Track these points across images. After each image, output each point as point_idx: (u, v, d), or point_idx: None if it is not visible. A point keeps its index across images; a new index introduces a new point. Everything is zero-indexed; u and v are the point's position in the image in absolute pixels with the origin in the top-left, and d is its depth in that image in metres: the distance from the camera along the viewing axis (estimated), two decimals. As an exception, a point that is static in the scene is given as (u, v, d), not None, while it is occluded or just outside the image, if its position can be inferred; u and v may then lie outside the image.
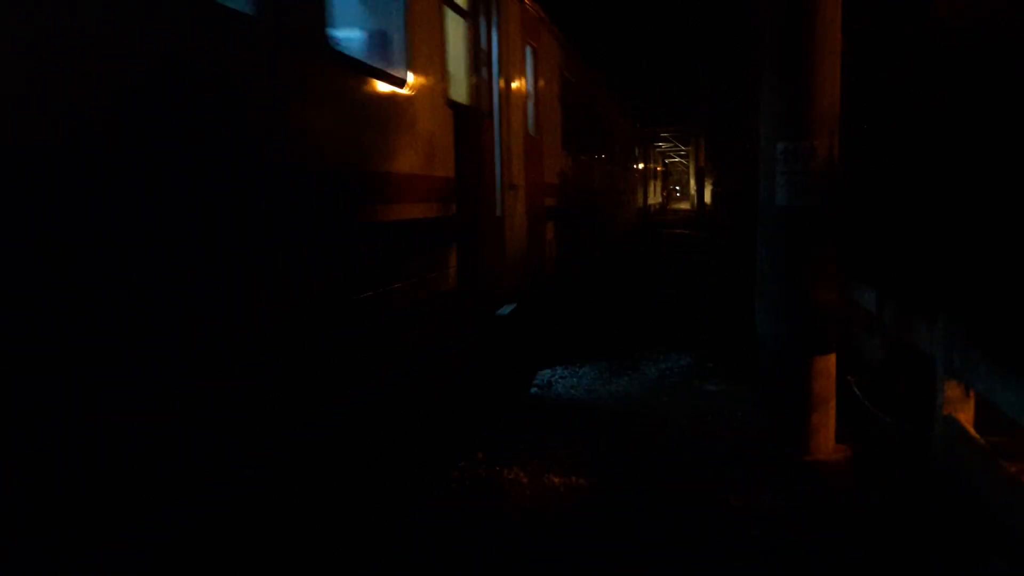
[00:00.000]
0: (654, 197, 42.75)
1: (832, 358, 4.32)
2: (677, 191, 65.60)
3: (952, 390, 3.89)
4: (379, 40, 4.67)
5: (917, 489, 3.92)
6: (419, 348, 4.75)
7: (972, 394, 3.85)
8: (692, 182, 40.57)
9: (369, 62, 4.24)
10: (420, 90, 4.72)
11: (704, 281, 11.98)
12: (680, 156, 52.56)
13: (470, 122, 5.89)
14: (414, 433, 4.49)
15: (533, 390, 5.93)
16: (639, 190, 29.00)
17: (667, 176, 60.19)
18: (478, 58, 6.30)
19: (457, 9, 5.76)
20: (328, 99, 3.71)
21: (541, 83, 8.77)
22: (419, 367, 4.72)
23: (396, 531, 3.57)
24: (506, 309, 6.76)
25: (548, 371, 6.39)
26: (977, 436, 3.70)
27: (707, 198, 31.01)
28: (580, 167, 11.91)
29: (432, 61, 4.98)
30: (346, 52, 3.94)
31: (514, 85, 7.28)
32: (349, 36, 4.44)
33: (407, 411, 4.49)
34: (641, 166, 29.80)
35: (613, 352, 7.00)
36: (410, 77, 4.56)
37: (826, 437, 4.33)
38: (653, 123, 34.71)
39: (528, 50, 8.19)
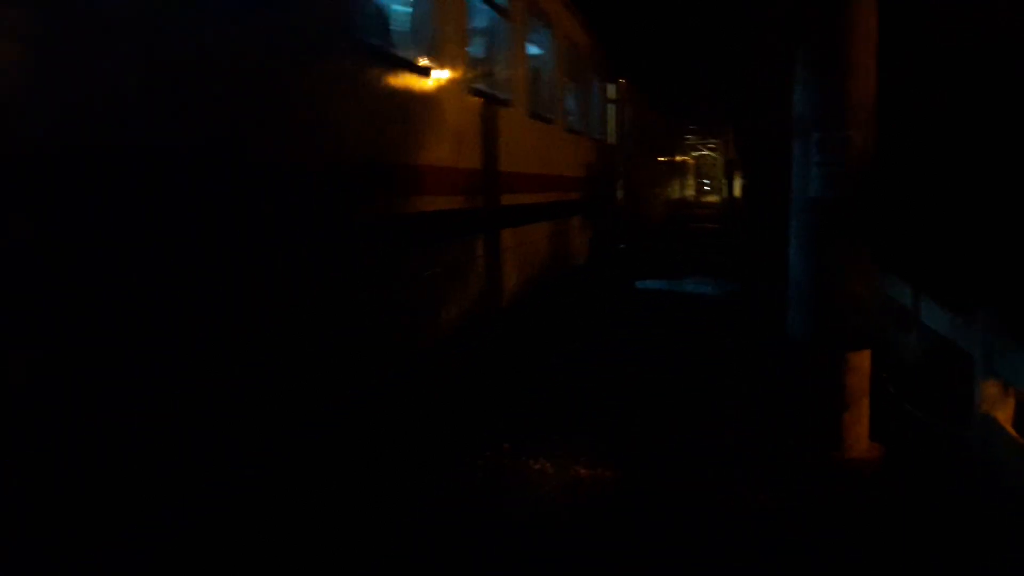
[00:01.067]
0: (686, 191, 42.74)
1: (866, 354, 4.20)
2: (706, 185, 64.99)
3: (991, 388, 3.77)
4: (588, 119, 11.08)
5: (953, 488, 3.80)
6: (594, 253, 11.11)
7: (1012, 392, 3.73)
8: (721, 175, 40.19)
9: (587, 134, 10.92)
10: (600, 141, 12.10)
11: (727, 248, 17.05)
12: (709, 149, 52.05)
13: (610, 151, 13.06)
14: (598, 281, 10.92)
15: (637, 284, 11.62)
16: (672, 184, 29.22)
17: (698, 170, 59.67)
18: (615, 120, 13.79)
19: (614, 102, 13.62)
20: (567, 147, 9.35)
21: (628, 121, 15.03)
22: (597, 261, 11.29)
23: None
24: (621, 246, 14.02)
25: (639, 280, 11.88)
26: (1016, 435, 3.59)
27: (736, 191, 30.67)
28: (642, 170, 17.67)
29: (605, 128, 12.90)
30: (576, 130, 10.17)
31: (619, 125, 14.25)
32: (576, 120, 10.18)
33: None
34: (671, 160, 30.08)
35: (668, 277, 12.36)
36: (602, 136, 12.55)
37: (860, 435, 4.22)
38: (682, 117, 34.39)
39: (626, 106, 14.81)
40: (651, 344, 7.21)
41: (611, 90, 13.45)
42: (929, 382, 4.66)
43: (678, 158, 38.26)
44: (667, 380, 5.89)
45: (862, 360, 4.18)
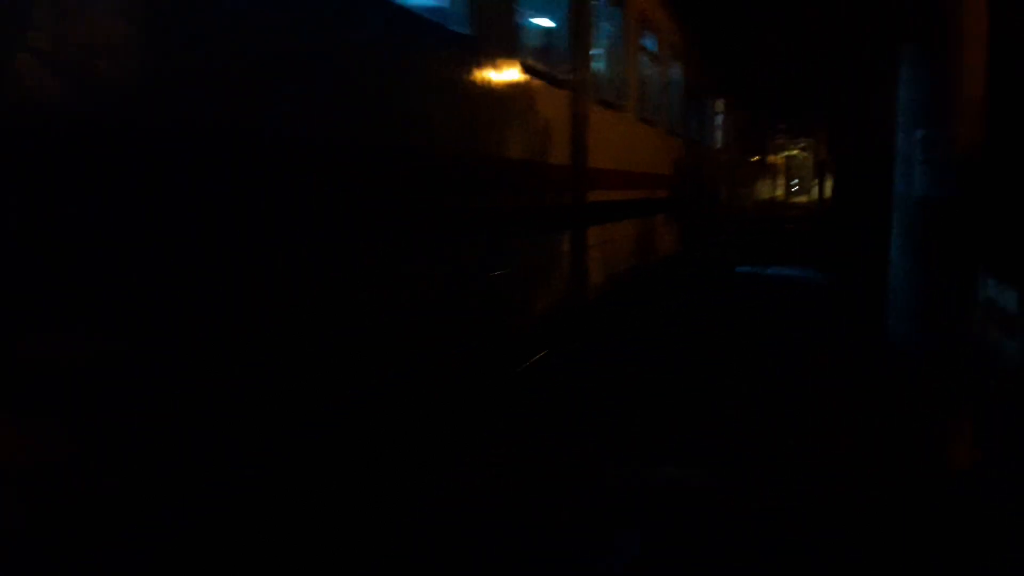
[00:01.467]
0: (776, 191, 42.25)
1: (969, 359, 4.07)
2: (794, 185, 63.51)
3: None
4: (703, 130, 14.20)
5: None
6: (704, 240, 13.62)
7: None
8: (811, 176, 39.17)
9: (701, 142, 13.73)
10: (708, 146, 14.59)
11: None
12: (799, 149, 50.78)
13: (715, 154, 15.84)
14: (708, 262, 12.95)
15: (737, 269, 12.88)
16: (763, 184, 30.08)
17: (787, 170, 58.49)
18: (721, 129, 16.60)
19: (720, 113, 16.36)
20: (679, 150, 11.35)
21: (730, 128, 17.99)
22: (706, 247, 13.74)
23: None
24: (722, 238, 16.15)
25: (739, 266, 13.14)
26: None
27: (827, 192, 29.86)
28: (738, 172, 20.93)
29: (715, 136, 15.90)
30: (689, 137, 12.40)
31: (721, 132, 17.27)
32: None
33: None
34: (762, 161, 30.15)
35: (759, 263, 13.44)
36: (718, 143, 16.38)
37: (962, 442, 4.09)
38: (772, 117, 33.63)
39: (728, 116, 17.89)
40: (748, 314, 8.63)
41: (719, 105, 16.81)
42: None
43: (769, 159, 37.54)
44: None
45: (965, 365, 4.05)
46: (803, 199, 49.70)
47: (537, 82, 5.11)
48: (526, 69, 4.88)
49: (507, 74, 4.67)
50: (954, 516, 3.57)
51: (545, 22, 6.10)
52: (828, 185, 29.95)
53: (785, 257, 14.79)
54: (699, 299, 9.48)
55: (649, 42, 8.86)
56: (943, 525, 3.48)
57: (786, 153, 52.24)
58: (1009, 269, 5.16)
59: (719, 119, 16.01)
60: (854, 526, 3.48)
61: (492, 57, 4.38)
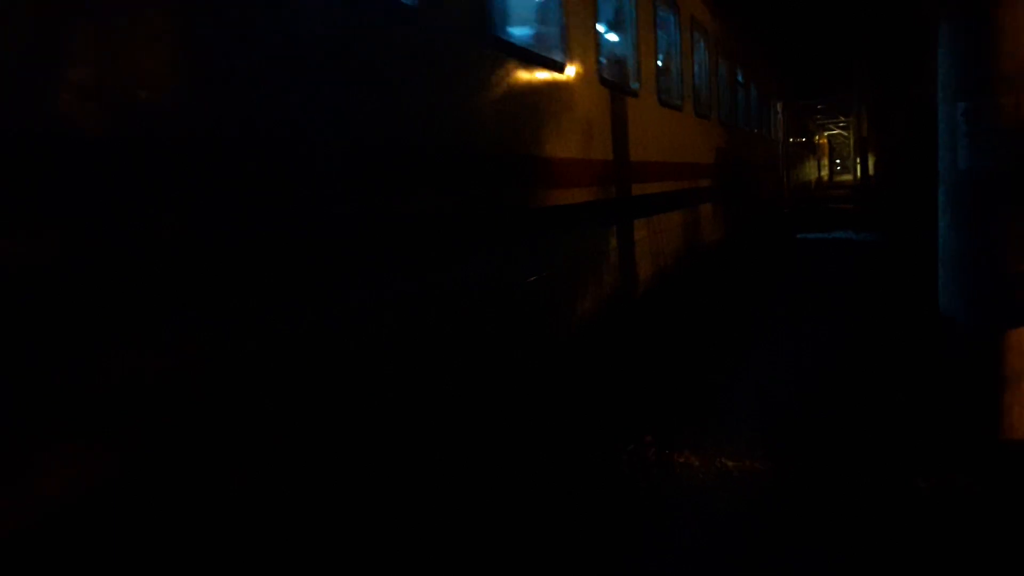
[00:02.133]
0: (821, 171, 42.54)
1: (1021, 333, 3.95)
2: (838, 164, 62.51)
3: None
4: (769, 123, 18.21)
5: None
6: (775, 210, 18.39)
7: None
8: (854, 155, 38.60)
9: (766, 133, 17.89)
10: (771, 138, 18.83)
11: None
12: (840, 128, 49.91)
13: (775, 143, 19.47)
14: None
15: (798, 236, 15.80)
16: (808, 165, 33.26)
17: (830, 150, 57.81)
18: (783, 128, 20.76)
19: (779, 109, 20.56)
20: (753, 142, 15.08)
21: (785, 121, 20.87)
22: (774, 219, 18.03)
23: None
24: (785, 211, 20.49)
25: (801, 234, 16.16)
26: None
27: (870, 170, 29.51)
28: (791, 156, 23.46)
29: (770, 124, 18.38)
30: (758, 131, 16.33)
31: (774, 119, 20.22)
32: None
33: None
34: (809, 142, 30.88)
35: (819, 231, 16.56)
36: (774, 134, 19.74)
37: (1020, 416, 3.97)
38: (812, 96, 33.13)
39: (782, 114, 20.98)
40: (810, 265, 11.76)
41: (779, 105, 20.20)
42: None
43: (815, 139, 37.47)
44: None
45: (1020, 338, 3.93)
46: (847, 178, 49.05)
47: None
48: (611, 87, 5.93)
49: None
50: (1009, 487, 3.48)
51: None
52: (870, 163, 29.51)
53: (837, 224, 17.76)
54: (774, 254, 13.15)
55: (701, 42, 9.84)
56: (999, 496, 3.40)
57: (828, 133, 51.42)
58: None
59: (773, 110, 18.84)
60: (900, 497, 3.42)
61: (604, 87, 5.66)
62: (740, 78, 12.87)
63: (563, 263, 4.86)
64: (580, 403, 4.84)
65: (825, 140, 51.43)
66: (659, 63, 7.51)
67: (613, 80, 5.99)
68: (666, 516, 3.50)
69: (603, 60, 5.81)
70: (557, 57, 4.77)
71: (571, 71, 4.95)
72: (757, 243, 13.75)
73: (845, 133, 49.86)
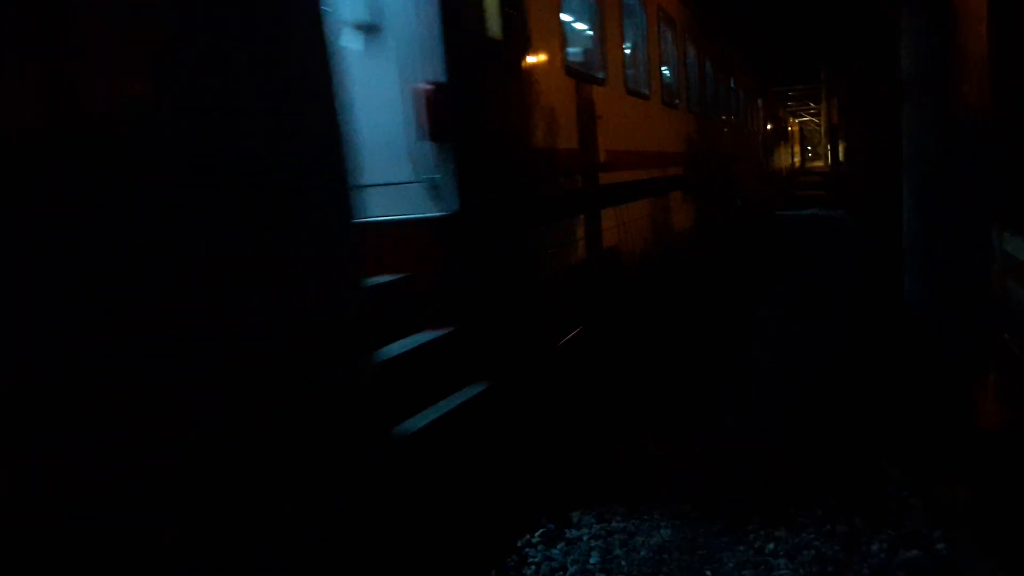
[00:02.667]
0: (793, 158, 43.47)
1: (989, 315, 4.01)
2: (809, 151, 63.12)
3: None
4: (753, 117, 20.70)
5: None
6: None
7: None
8: (825, 141, 38.89)
9: (751, 125, 20.72)
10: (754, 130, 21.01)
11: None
12: (811, 115, 50.18)
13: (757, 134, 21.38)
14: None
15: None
16: (781, 152, 34.07)
17: (802, 137, 58.39)
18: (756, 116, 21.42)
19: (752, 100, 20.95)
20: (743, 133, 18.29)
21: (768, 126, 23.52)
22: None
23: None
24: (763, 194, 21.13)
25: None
26: None
27: (840, 156, 29.89)
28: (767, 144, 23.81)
29: (744, 112, 18.95)
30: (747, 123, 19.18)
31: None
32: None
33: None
34: (781, 128, 32.02)
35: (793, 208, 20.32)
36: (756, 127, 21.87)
37: (985, 398, 4.03)
38: (783, 83, 33.28)
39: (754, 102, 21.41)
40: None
41: (750, 93, 20.28)
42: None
43: (786, 127, 38.01)
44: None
45: (984, 321, 3.99)
46: (819, 164, 49.44)
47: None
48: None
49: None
50: (977, 472, 3.53)
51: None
52: (840, 149, 29.74)
53: (811, 203, 21.03)
54: (758, 227, 15.38)
55: (669, 37, 9.98)
56: (968, 482, 3.45)
57: (799, 120, 51.66)
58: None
59: (744, 99, 18.89)
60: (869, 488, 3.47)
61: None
62: (709, 68, 13.07)
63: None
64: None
65: (796, 127, 51.78)
66: (626, 52, 7.52)
67: (580, 70, 5.99)
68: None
69: (570, 50, 5.80)
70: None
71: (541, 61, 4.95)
72: (738, 226, 14.95)
73: (816, 120, 50.12)
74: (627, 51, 7.48)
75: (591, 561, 3.22)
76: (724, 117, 15.03)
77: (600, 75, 6.31)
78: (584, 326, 5.31)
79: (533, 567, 3.23)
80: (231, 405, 2.28)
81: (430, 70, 3.63)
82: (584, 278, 5.44)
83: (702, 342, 6.19)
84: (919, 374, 4.20)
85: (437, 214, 3.73)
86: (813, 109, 45.95)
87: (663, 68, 9.25)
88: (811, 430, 4.17)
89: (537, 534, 3.44)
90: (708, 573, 3.09)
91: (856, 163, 19.41)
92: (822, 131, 42.68)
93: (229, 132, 2.34)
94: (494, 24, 4.17)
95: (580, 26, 6.63)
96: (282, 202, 2.52)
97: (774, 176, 28.60)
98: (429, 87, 3.63)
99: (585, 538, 3.38)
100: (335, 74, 2.77)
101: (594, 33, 6.55)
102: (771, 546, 3.18)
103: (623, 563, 3.19)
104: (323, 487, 2.62)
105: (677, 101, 10.07)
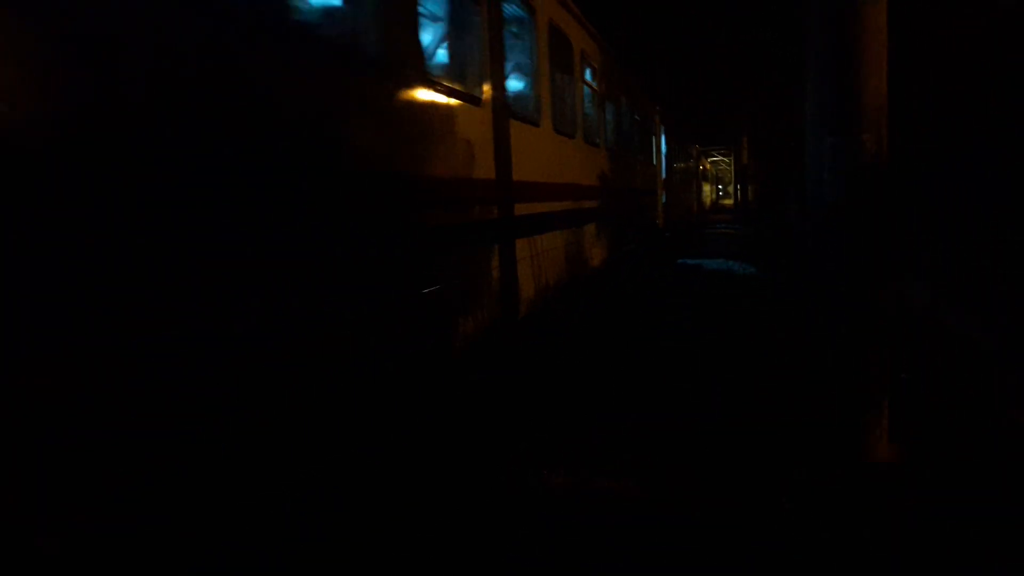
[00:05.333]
0: (703, 196, 45.07)
1: (885, 354, 4.04)
2: (720, 190, 65.51)
3: (1013, 384, 3.61)
4: (649, 150, 17.23)
5: (974, 489, 3.63)
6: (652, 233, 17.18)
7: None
8: (735, 182, 40.33)
9: (646, 159, 16.85)
10: (650, 163, 17.33)
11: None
12: (722, 155, 52.00)
13: (655, 169, 18.11)
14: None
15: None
16: (691, 190, 33.64)
17: (715, 176, 60.85)
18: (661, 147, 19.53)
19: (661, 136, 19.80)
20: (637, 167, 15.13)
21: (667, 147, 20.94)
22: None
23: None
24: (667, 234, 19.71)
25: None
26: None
27: (749, 196, 31.04)
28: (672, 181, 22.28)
29: (655, 153, 18.36)
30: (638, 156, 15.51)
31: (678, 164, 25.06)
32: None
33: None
34: (690, 168, 32.80)
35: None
36: (655, 160, 18.50)
37: (878, 436, 4.05)
38: (695, 128, 34.43)
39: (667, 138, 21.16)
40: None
41: (661, 132, 19.77)
42: (951, 381, 4.48)
43: (698, 166, 39.25)
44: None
45: (881, 360, 4.02)
46: (728, 202, 51.28)
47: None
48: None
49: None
50: (866, 506, 3.52)
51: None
52: (749, 189, 30.82)
53: (719, 249, 17.80)
54: (656, 278, 12.53)
55: (588, 72, 10.17)
56: (856, 517, 3.43)
57: (710, 159, 53.42)
58: (919, 267, 5.20)
59: (653, 136, 18.29)
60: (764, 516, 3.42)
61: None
62: (626, 110, 13.38)
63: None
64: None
65: (711, 165, 53.69)
66: (555, 97, 7.65)
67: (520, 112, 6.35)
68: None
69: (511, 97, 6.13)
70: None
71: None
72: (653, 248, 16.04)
73: (727, 160, 51.89)
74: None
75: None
76: (646, 160, 16.22)
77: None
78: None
79: None
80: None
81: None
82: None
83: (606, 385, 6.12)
84: (817, 410, 4.21)
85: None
86: (724, 149, 47.61)
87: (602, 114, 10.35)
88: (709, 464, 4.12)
89: None
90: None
91: (764, 203, 20.21)
92: (732, 172, 44.26)
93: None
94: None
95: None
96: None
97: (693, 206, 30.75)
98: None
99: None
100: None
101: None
102: None
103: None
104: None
105: (598, 140, 10.28)
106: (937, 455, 4.02)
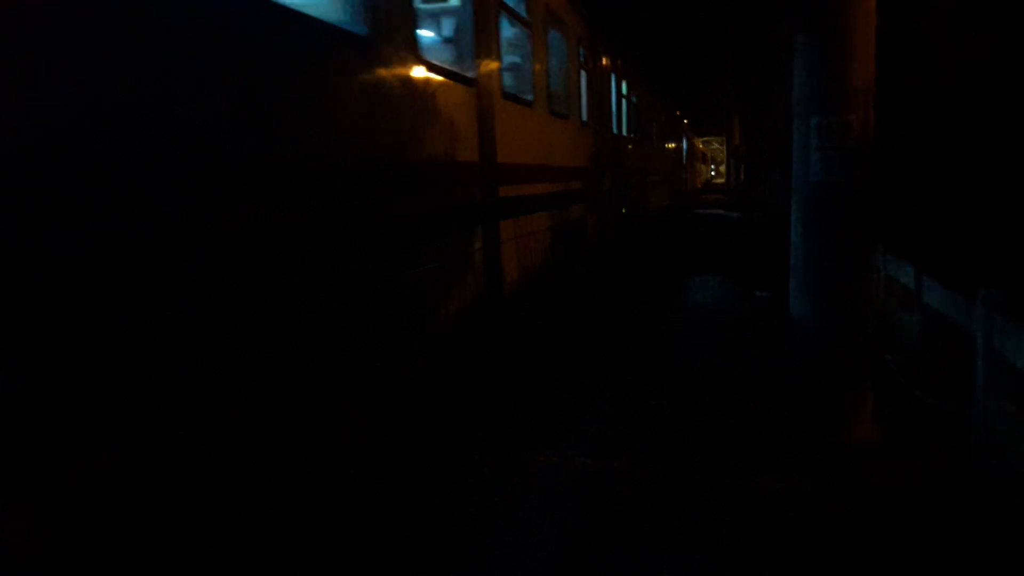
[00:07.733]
0: (698, 176, 46.28)
1: (867, 336, 3.98)
2: (713, 170, 65.89)
3: (992, 366, 3.55)
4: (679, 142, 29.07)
5: (955, 469, 3.59)
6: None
7: (1013, 371, 3.50)
8: (728, 161, 40.52)
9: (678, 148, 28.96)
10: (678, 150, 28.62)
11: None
12: (714, 135, 52.08)
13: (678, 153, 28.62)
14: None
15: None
16: (689, 171, 36.86)
17: (707, 156, 61.74)
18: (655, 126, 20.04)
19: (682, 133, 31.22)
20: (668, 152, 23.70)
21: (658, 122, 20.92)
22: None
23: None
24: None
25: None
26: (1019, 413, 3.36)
27: (741, 176, 31.44)
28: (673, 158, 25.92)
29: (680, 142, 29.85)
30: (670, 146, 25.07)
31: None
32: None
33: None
34: (688, 150, 34.87)
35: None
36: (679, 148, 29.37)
37: (861, 418, 4.00)
38: (688, 109, 34.44)
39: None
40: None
41: (652, 104, 20.48)
42: (932, 362, 4.43)
43: (693, 147, 40.12)
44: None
45: (863, 342, 3.96)
46: (721, 181, 51.68)
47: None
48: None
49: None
50: (848, 489, 3.47)
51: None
52: (742, 170, 30.96)
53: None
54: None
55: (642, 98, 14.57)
56: (839, 498, 3.38)
57: (703, 140, 53.47)
58: (905, 247, 5.12)
59: (660, 124, 20.15)
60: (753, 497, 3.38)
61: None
62: (635, 98, 14.85)
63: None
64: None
65: (702, 147, 54.00)
66: (552, 80, 7.68)
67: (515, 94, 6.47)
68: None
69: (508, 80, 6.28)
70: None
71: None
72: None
73: (720, 141, 51.98)
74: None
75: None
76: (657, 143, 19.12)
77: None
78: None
79: None
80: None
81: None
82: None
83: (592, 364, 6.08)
84: (802, 392, 4.15)
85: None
86: (717, 130, 47.66)
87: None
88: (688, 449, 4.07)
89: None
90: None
91: (753, 182, 20.36)
92: (725, 152, 44.39)
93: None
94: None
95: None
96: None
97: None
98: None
99: None
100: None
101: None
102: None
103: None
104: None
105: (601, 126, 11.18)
106: (917, 435, 3.97)
